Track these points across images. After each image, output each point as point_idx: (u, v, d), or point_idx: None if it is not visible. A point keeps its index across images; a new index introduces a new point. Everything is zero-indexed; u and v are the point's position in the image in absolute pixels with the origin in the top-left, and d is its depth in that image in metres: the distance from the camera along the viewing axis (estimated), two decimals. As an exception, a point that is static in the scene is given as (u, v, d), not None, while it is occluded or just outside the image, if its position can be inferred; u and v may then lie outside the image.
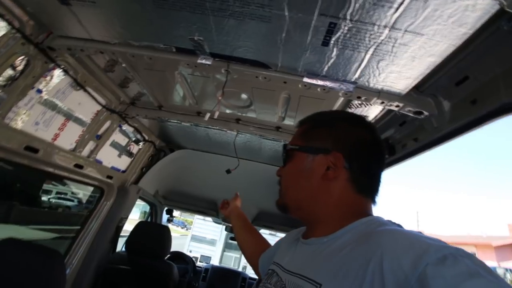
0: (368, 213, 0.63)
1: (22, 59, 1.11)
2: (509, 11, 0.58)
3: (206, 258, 8.29)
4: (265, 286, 0.69)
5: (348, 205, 0.63)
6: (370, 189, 0.65)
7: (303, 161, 0.67)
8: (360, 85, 0.98)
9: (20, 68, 1.12)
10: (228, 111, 1.54)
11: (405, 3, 0.64)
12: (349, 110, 1.26)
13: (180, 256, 3.14)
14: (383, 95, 0.99)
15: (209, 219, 4.57)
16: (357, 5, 0.67)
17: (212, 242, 9.42)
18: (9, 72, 1.10)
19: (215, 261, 8.34)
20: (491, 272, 0.39)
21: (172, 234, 2.26)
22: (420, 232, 0.51)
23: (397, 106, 1.01)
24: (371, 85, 0.97)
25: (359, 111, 1.26)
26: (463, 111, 0.86)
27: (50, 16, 0.98)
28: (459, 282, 0.38)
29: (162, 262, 2.07)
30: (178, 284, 2.16)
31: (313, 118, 0.75)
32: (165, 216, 3.22)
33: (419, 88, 0.98)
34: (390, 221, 0.59)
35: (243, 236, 1.18)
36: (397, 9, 0.66)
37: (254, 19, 0.79)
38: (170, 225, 2.91)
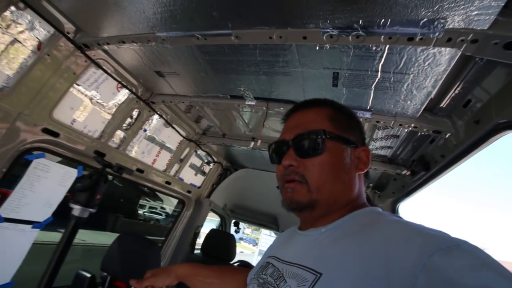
0: (366, 203, 0.65)
1: (136, 111, 1.68)
2: (468, 54, 0.73)
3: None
4: (260, 277, 0.65)
5: (361, 198, 0.65)
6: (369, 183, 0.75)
7: (343, 152, 0.63)
8: (376, 112, 1.16)
9: (134, 116, 1.70)
10: (276, 135, 1.85)
11: (384, 55, 0.85)
12: (378, 131, 1.41)
13: (246, 265, 3.48)
14: (399, 118, 1.14)
15: (274, 234, 4.83)
16: (348, 60, 0.91)
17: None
18: (128, 120, 1.68)
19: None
20: (497, 264, 0.38)
21: (244, 250, 2.62)
22: (422, 224, 0.50)
23: (414, 127, 1.14)
24: (386, 111, 1.14)
25: (389, 129, 1.39)
26: (472, 130, 0.96)
27: (152, 83, 1.51)
28: (465, 273, 0.37)
29: (229, 265, 2.43)
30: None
31: (328, 103, 0.71)
32: (233, 228, 3.65)
33: (433, 110, 1.10)
34: (388, 212, 0.61)
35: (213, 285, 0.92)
36: (379, 59, 0.87)
37: (279, 74, 1.10)
38: (242, 242, 3.28)
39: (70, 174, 1.52)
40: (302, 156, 0.62)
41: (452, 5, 0.62)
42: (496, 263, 0.38)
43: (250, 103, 1.37)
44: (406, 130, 1.31)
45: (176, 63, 1.21)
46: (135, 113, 1.68)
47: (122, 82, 1.46)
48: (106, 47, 1.19)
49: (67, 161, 1.49)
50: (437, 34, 0.69)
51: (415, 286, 0.39)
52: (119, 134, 1.64)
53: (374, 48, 0.83)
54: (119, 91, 1.52)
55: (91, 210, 0.87)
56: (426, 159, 1.38)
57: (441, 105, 1.05)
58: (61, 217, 1.31)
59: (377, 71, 0.93)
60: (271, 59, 1.01)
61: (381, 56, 0.85)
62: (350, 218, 0.59)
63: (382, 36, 0.75)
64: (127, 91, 1.54)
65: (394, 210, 2.03)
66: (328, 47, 0.87)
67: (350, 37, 0.78)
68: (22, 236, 1.35)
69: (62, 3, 1.04)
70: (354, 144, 0.64)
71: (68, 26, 1.15)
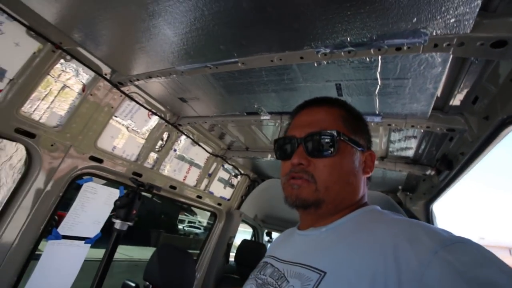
0: (366, 202, 0.66)
1: (166, 134, 1.87)
2: (458, 56, 0.76)
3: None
4: (258, 277, 0.64)
5: (364, 198, 0.65)
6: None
7: (354, 155, 0.63)
8: (386, 115, 1.19)
9: (165, 139, 1.89)
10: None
11: (379, 65, 0.90)
12: (395, 133, 1.41)
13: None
14: (410, 120, 1.16)
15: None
16: (347, 72, 0.98)
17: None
18: (160, 142, 1.87)
19: None
20: (500, 261, 0.39)
21: None
22: (425, 223, 0.51)
23: (427, 127, 1.15)
24: (395, 113, 1.16)
25: (404, 131, 1.39)
26: (483, 126, 0.95)
27: (178, 109, 1.69)
28: (470, 268, 0.38)
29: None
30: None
31: (341, 103, 0.70)
32: (266, 238, 3.70)
33: (443, 109, 1.10)
34: (389, 211, 0.60)
35: None
36: (375, 68, 0.92)
37: (286, 90, 1.19)
38: None
39: (113, 194, 1.73)
40: (313, 156, 0.61)
41: (429, 16, 0.67)
42: (499, 260, 0.40)
43: (265, 117, 1.47)
44: (421, 130, 1.30)
45: (196, 89, 1.37)
46: (165, 136, 1.87)
47: (152, 110, 1.66)
48: (136, 82, 1.39)
49: (111, 183, 1.71)
50: (422, 42, 0.74)
51: (422, 282, 0.39)
52: (153, 155, 1.84)
53: (368, 59, 0.89)
54: (150, 118, 1.72)
55: (129, 223, 1.03)
56: (449, 158, 1.35)
57: (451, 103, 1.06)
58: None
59: (377, 79, 0.98)
60: (277, 78, 1.11)
61: (377, 66, 0.91)
62: (351, 218, 0.59)
63: (372, 49, 0.81)
64: (157, 117, 1.74)
65: (428, 212, 1.96)
66: (325, 63, 0.95)
67: (342, 53, 0.85)
68: (77, 250, 1.57)
69: (98, 51, 1.25)
70: (362, 147, 0.65)
71: (105, 69, 1.37)
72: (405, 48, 0.77)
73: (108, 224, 1.53)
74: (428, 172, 1.55)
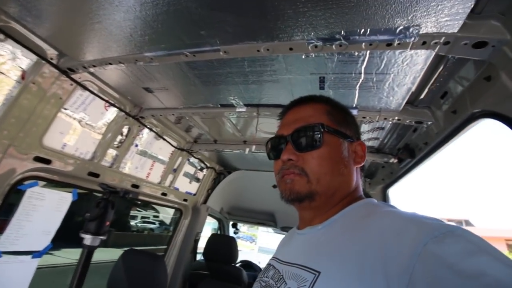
0: (362, 196, 0.66)
1: (126, 128, 1.67)
2: (441, 54, 0.80)
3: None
4: (262, 280, 0.65)
5: (358, 191, 0.65)
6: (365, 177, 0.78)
7: (341, 146, 0.63)
8: (362, 108, 1.23)
9: (125, 133, 1.69)
10: (267, 136, 1.89)
11: (366, 59, 0.91)
12: (365, 125, 1.48)
13: (249, 265, 3.53)
14: (383, 113, 1.21)
15: (272, 230, 4.92)
16: (333, 65, 0.96)
17: (278, 253, 9.69)
18: (119, 137, 1.67)
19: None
20: (492, 248, 0.39)
21: (241, 248, 2.65)
22: (415, 212, 0.50)
23: (398, 119, 1.22)
24: (371, 107, 1.21)
25: (374, 123, 1.46)
26: (450, 119, 1.04)
27: (141, 99, 1.51)
28: (461, 260, 0.37)
29: (233, 267, 2.47)
30: (247, 287, 2.53)
31: (324, 99, 0.71)
32: (231, 229, 3.69)
33: (413, 103, 1.18)
34: (383, 203, 0.60)
35: None
36: (361, 63, 0.93)
37: (268, 82, 1.14)
38: (239, 241, 3.31)
39: (65, 199, 1.50)
40: (301, 150, 0.62)
41: (425, 13, 0.68)
42: (490, 247, 0.39)
43: (240, 110, 1.40)
44: (390, 123, 1.38)
45: (165, 79, 1.23)
46: (125, 130, 1.67)
47: (110, 101, 1.46)
48: (92, 69, 1.19)
49: (62, 186, 1.47)
50: (412, 39, 0.76)
51: (412, 276, 0.39)
52: (111, 152, 1.63)
53: (356, 53, 0.88)
54: (107, 110, 1.50)
55: (101, 237, 0.88)
56: (411, 147, 1.47)
57: (421, 97, 1.13)
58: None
59: (361, 73, 0.99)
60: (259, 69, 1.05)
61: (363, 60, 0.91)
62: (346, 213, 0.59)
63: (363, 44, 0.80)
64: (115, 109, 1.53)
65: (384, 195, 2.13)
66: (313, 55, 0.92)
67: (333, 46, 0.83)
68: (23, 267, 1.33)
69: (41, 30, 1.02)
70: (350, 138, 0.66)
71: (51, 52, 1.13)
72: (395, 44, 0.78)
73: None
74: (391, 160, 1.67)
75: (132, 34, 0.90)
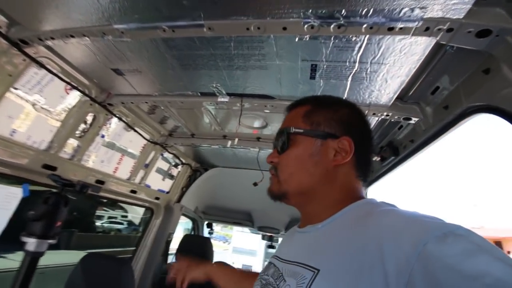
0: (362, 195, 0.64)
1: (91, 115, 1.48)
2: (443, 43, 0.76)
3: (248, 267, 8.47)
4: (262, 278, 0.66)
5: (349, 190, 0.63)
6: (367, 173, 0.66)
7: (311, 145, 0.63)
8: (351, 103, 1.18)
9: (89, 122, 1.50)
10: (249, 131, 1.80)
11: (363, 46, 0.84)
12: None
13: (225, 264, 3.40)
14: (373, 108, 1.17)
15: (247, 230, 4.82)
16: (327, 51, 0.89)
17: (252, 253, 9.61)
18: (82, 126, 1.48)
19: (257, 270, 8.46)
20: (493, 248, 0.38)
21: (215, 249, 2.52)
22: (416, 211, 0.50)
23: (387, 115, 1.18)
24: (360, 101, 1.16)
25: (360, 120, 1.43)
26: (440, 115, 1.02)
27: (109, 83, 1.34)
28: (462, 260, 0.37)
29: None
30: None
31: (311, 100, 0.71)
32: (206, 230, 3.53)
33: (403, 98, 1.15)
34: (384, 202, 0.59)
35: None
36: (358, 50, 0.87)
37: (255, 68, 1.04)
38: (212, 240, 3.17)
39: (14, 195, 1.29)
40: (279, 153, 0.68)
41: (434, -7, 0.62)
42: (491, 247, 0.39)
43: (223, 99, 1.29)
44: (377, 119, 1.35)
45: (138, 59, 1.08)
46: (89, 118, 1.48)
47: (72, 83, 1.27)
48: (50, 42, 1.01)
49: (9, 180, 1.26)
50: (416, 23, 0.70)
51: (412, 275, 0.38)
52: (72, 143, 1.43)
53: (354, 38, 0.82)
54: (68, 94, 1.31)
55: (50, 241, 0.71)
56: (395, 145, 1.45)
57: (410, 93, 1.10)
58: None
59: (355, 62, 0.92)
60: (247, 52, 0.95)
61: (360, 47, 0.85)
62: (346, 212, 0.59)
63: (364, 26, 0.74)
64: (78, 93, 1.35)
65: (365, 194, 2.14)
66: (307, 38, 0.84)
67: (331, 28, 0.76)
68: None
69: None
70: (330, 135, 0.63)
71: (-2, 19, 0.94)
72: (397, 29, 0.73)
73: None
74: (373, 159, 1.65)
75: (104, 0, 0.76)
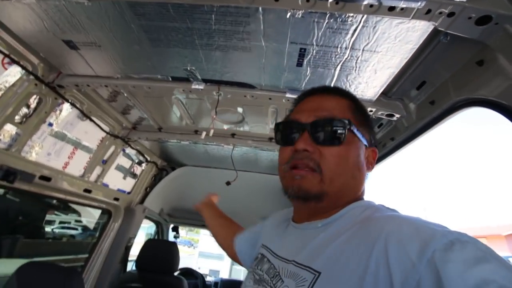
0: (362, 197, 0.63)
1: (35, 98, 1.24)
2: (441, 29, 0.72)
3: (215, 272, 8.20)
4: (255, 272, 0.64)
5: (362, 195, 0.63)
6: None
7: (360, 149, 0.60)
8: (336, 96, 1.12)
9: (33, 106, 1.25)
10: (224, 127, 1.67)
11: (358, 29, 0.78)
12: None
13: (189, 272, 3.19)
14: (357, 102, 1.12)
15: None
16: (319, 33, 0.81)
17: (219, 257, 9.35)
18: (24, 110, 1.23)
19: (224, 275, 8.26)
20: (497, 256, 0.39)
21: (180, 254, 2.31)
22: (420, 217, 0.49)
23: (370, 111, 1.14)
24: (345, 95, 1.10)
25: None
26: (425, 111, 1.00)
27: (59, 59, 1.12)
28: (469, 267, 0.37)
29: (172, 277, 2.13)
30: (188, 297, 2.22)
31: (350, 96, 0.67)
32: (171, 234, 3.29)
33: (387, 94, 1.12)
34: (383, 206, 0.58)
35: (215, 222, 1.11)
36: (352, 34, 0.80)
37: (237, 50, 0.93)
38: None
39: None
40: (320, 143, 0.57)
41: (443, -32, 0.57)
42: (498, 256, 0.39)
43: (197, 87, 1.15)
44: None
45: (97, 29, 0.90)
46: (33, 101, 1.24)
47: (11, 56, 1.04)
48: (-24, -4, 0.79)
49: None
50: (418, 3, 0.65)
51: (420, 283, 0.38)
52: (10, 129, 1.18)
53: (350, 19, 0.75)
54: (6, 69, 1.07)
55: None
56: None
57: (395, 88, 1.08)
58: None
59: (347, 48, 0.86)
60: (230, 28, 0.83)
61: (355, 30, 0.78)
62: (346, 213, 0.57)
63: (364, 3, 0.67)
64: (19, 69, 1.11)
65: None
66: (300, 15, 0.75)
67: (329, 2, 0.68)
68: None
69: None
70: (367, 142, 0.62)
71: None
72: (398, 9, 0.67)
73: None
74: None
75: None
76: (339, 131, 0.56)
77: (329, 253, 0.50)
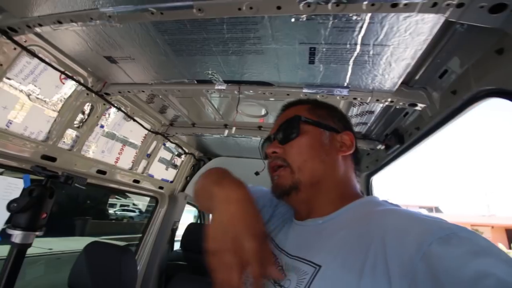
0: (360, 192, 0.67)
1: (88, 105, 1.47)
2: (452, 20, 0.69)
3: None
4: None
5: (350, 185, 0.66)
6: (359, 169, 0.71)
7: (321, 135, 0.66)
8: (353, 88, 1.12)
9: (87, 112, 1.48)
10: (250, 120, 1.75)
11: (364, 26, 0.78)
12: (354, 108, 1.38)
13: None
14: (376, 93, 1.11)
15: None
16: (326, 33, 0.83)
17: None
18: (80, 116, 1.46)
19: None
20: (498, 250, 0.39)
21: None
22: (419, 212, 0.50)
23: (391, 101, 1.12)
24: (363, 87, 1.10)
25: (364, 106, 1.36)
26: (448, 101, 0.95)
27: (103, 71, 1.31)
28: (466, 261, 0.37)
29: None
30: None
31: (310, 101, 0.75)
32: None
33: (408, 83, 1.08)
34: (386, 201, 0.59)
35: None
36: (359, 31, 0.80)
37: (251, 53, 0.99)
38: None
39: (15, 185, 1.30)
40: (283, 143, 0.67)
41: (442, -38, 0.55)
42: (496, 249, 0.38)
43: (220, 87, 1.25)
44: (382, 106, 1.29)
45: (129, 45, 1.04)
46: (87, 108, 1.47)
47: (66, 72, 1.24)
48: (38, 29, 0.98)
49: (11, 171, 1.27)
50: (422, -2, 0.64)
51: (416, 276, 0.38)
52: (71, 133, 1.42)
53: (354, 17, 0.75)
54: (63, 83, 1.29)
55: (37, 233, 0.71)
56: (400, 133, 1.39)
57: (416, 77, 1.03)
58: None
59: (356, 44, 0.86)
60: (241, 35, 0.90)
61: (361, 27, 0.78)
62: (347, 210, 0.59)
63: (365, 3, 0.68)
64: (73, 82, 1.32)
65: (368, 183, 2.09)
66: (304, 18, 0.78)
67: (329, 5, 0.70)
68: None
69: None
70: (334, 129, 0.68)
71: (-18, 5, 0.91)
72: (401, 5, 0.66)
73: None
74: (378, 147, 1.60)
75: (80, -22, 0.71)
76: (293, 127, 0.66)
77: (330, 248, 0.51)
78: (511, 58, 0.67)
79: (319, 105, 0.74)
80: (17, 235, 0.65)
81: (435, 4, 0.65)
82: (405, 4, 0.66)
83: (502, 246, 12.14)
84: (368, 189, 2.10)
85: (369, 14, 0.73)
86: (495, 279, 0.33)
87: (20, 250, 0.65)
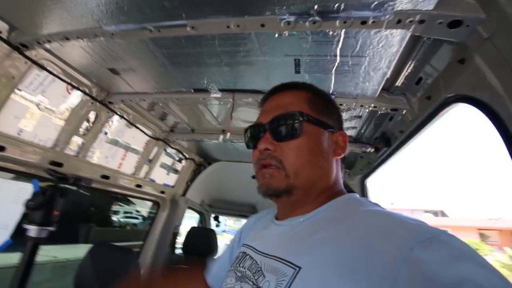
0: (343, 190, 0.64)
1: (93, 114, 1.56)
2: (416, 34, 0.77)
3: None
4: (238, 270, 0.61)
5: (338, 184, 0.64)
6: (345, 167, 0.77)
7: (321, 137, 0.61)
8: (339, 95, 1.20)
9: (92, 120, 1.58)
10: (246, 126, 1.84)
11: (341, 40, 0.87)
12: (342, 114, 1.46)
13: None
14: (360, 100, 1.19)
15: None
16: (308, 46, 0.92)
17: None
18: (85, 124, 1.56)
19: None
20: (476, 254, 0.39)
21: (228, 241, 2.60)
22: (401, 213, 0.50)
23: (374, 107, 1.20)
24: (347, 93, 1.18)
25: (352, 111, 1.44)
26: (424, 106, 1.03)
27: (107, 82, 1.40)
28: (446, 265, 0.37)
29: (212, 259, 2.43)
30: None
31: (307, 87, 0.69)
32: (214, 222, 3.63)
33: (389, 90, 1.16)
34: (367, 200, 0.59)
35: None
36: (337, 44, 0.89)
37: (242, 64, 1.08)
38: (226, 234, 3.26)
39: (25, 190, 1.39)
40: (279, 140, 0.60)
41: (399, -13, 0.64)
42: (475, 253, 0.39)
43: (215, 95, 1.33)
44: (367, 110, 1.37)
45: (131, 58, 1.13)
46: (92, 116, 1.56)
47: (72, 83, 1.34)
48: (48, 45, 1.08)
49: (21, 176, 1.36)
50: (387, 16, 0.72)
51: (397, 280, 0.38)
52: (76, 140, 1.52)
53: (331, 33, 0.84)
54: (70, 94, 1.39)
55: (49, 228, 0.79)
56: (387, 136, 1.46)
57: (396, 84, 1.11)
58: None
59: (336, 56, 0.95)
60: (232, 49, 0.99)
61: (338, 41, 0.87)
62: (329, 207, 0.57)
63: (338, 21, 0.76)
64: (79, 92, 1.42)
65: (363, 186, 2.15)
66: (287, 34, 0.87)
67: (307, 23, 0.78)
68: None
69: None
70: (332, 128, 0.63)
71: (0, 25, 1.01)
72: (370, 22, 0.75)
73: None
74: (368, 150, 1.67)
75: (86, 2, 0.81)
76: (294, 125, 0.59)
77: (310, 248, 0.50)
78: (470, 67, 0.75)
79: (318, 94, 0.67)
80: (32, 230, 0.73)
81: (399, 21, 0.73)
82: (373, 22, 0.75)
83: (510, 250, 11.94)
84: (363, 192, 2.16)
85: (343, 30, 0.82)
86: (474, 284, 0.34)
87: (35, 243, 0.73)
